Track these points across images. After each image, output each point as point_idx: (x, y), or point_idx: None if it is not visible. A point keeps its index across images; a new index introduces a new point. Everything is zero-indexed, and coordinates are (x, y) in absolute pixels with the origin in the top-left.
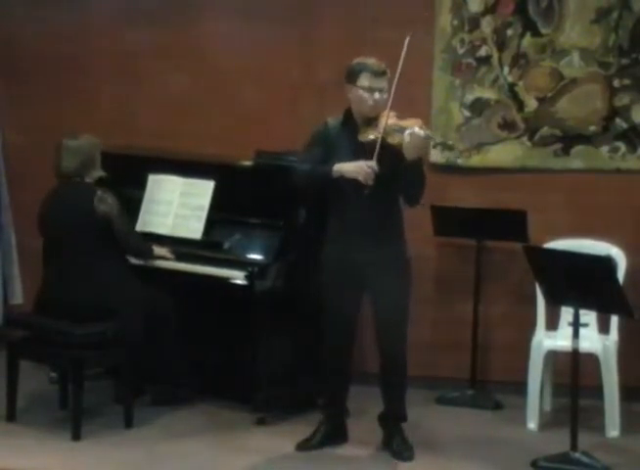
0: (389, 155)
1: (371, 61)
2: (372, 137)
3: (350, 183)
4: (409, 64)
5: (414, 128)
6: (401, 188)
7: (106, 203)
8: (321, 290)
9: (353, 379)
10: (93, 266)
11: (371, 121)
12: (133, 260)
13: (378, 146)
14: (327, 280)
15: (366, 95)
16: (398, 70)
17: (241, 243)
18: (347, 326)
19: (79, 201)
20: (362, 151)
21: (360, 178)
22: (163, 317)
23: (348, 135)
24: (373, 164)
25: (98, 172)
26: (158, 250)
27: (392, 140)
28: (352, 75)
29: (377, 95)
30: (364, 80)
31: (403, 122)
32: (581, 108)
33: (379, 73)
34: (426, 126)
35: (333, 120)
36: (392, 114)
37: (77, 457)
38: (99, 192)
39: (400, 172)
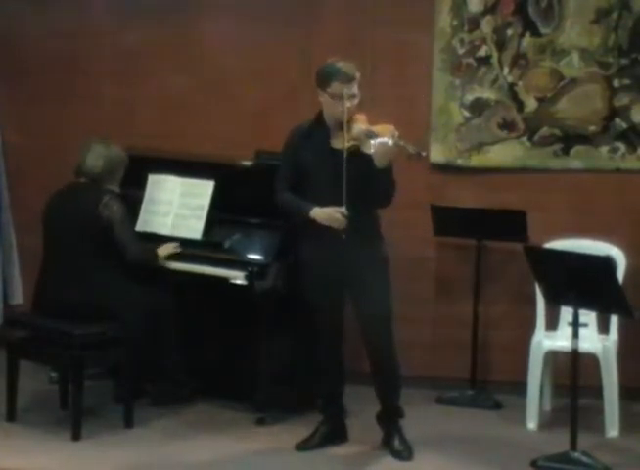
0: (362, 160)
1: (341, 65)
2: (346, 144)
3: (327, 190)
4: (409, 64)
5: (383, 138)
6: (372, 191)
7: (110, 209)
8: (304, 291)
9: (351, 379)
10: (93, 268)
11: (342, 126)
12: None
13: (345, 154)
14: (308, 280)
15: (337, 102)
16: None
17: (241, 243)
18: (334, 326)
19: (85, 204)
20: (334, 156)
21: (334, 226)
22: (164, 317)
23: (320, 140)
24: (343, 210)
25: (114, 187)
26: (163, 250)
27: (366, 148)
28: (323, 81)
29: (348, 103)
30: (335, 88)
31: (375, 128)
32: (581, 108)
33: (350, 80)
34: (398, 134)
35: (298, 128)
36: (363, 117)
37: (77, 457)
38: (105, 197)
39: (372, 176)
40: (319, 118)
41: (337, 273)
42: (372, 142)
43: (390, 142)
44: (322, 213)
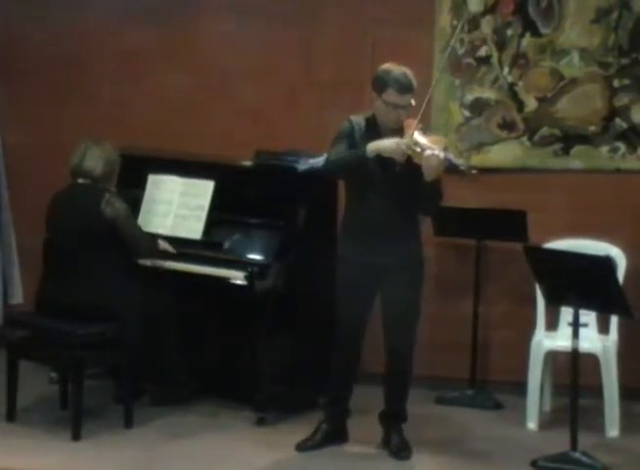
0: (411, 168)
1: (399, 73)
2: None
3: (376, 171)
4: (409, 64)
5: (434, 151)
6: (418, 200)
7: (113, 206)
8: (336, 290)
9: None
10: (94, 268)
11: (395, 132)
12: (140, 261)
13: (397, 167)
14: (341, 280)
15: (389, 110)
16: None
17: (241, 243)
18: (359, 327)
19: (87, 204)
20: (384, 161)
21: (395, 156)
22: (163, 317)
23: (371, 141)
24: (406, 141)
25: (112, 186)
26: (162, 244)
27: (416, 159)
28: (379, 87)
29: (401, 112)
30: (389, 96)
31: (427, 140)
32: (581, 108)
33: (405, 90)
34: (449, 149)
35: (356, 120)
36: (418, 126)
37: (77, 457)
38: (107, 195)
39: (419, 185)
40: (372, 121)
41: (371, 274)
42: (423, 154)
43: (442, 156)
44: (384, 142)
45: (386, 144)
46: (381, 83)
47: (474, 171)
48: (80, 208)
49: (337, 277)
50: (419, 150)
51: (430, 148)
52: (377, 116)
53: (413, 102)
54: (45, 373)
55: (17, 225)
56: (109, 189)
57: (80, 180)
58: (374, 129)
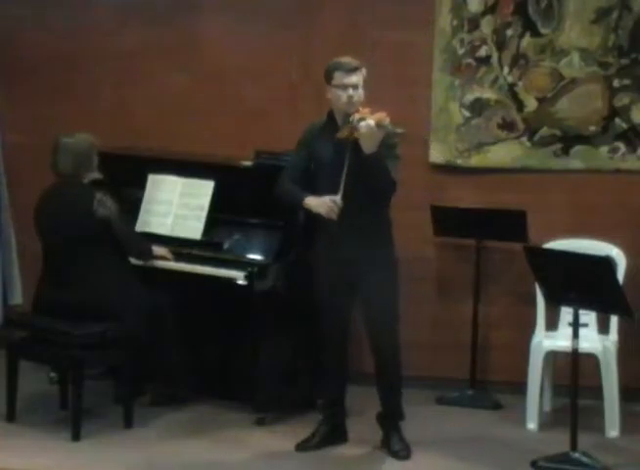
0: (360, 149)
1: (344, 59)
2: (345, 134)
3: (331, 182)
4: (409, 64)
5: (366, 121)
6: (368, 184)
7: (105, 206)
8: (314, 290)
9: (352, 379)
10: (92, 268)
11: (346, 117)
12: (133, 261)
13: (349, 142)
14: (318, 281)
15: (340, 92)
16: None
17: (241, 243)
18: (341, 326)
19: (78, 203)
20: (338, 148)
21: (323, 213)
22: (164, 317)
23: (329, 134)
24: (337, 198)
25: (94, 174)
26: (157, 249)
27: (357, 134)
28: (328, 76)
29: (350, 91)
30: (337, 79)
31: (368, 116)
32: (581, 108)
33: (351, 70)
34: (390, 120)
35: (317, 122)
36: (366, 110)
37: (77, 457)
38: (98, 195)
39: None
40: (330, 116)
41: (346, 274)
42: (359, 127)
43: (372, 123)
44: (314, 201)
45: (314, 202)
46: (328, 72)
47: (399, 131)
48: (71, 208)
49: (314, 278)
50: (358, 124)
51: (364, 120)
52: (332, 106)
53: (360, 83)
54: (45, 373)
55: (17, 225)
56: (96, 182)
57: (62, 179)
58: (331, 121)
